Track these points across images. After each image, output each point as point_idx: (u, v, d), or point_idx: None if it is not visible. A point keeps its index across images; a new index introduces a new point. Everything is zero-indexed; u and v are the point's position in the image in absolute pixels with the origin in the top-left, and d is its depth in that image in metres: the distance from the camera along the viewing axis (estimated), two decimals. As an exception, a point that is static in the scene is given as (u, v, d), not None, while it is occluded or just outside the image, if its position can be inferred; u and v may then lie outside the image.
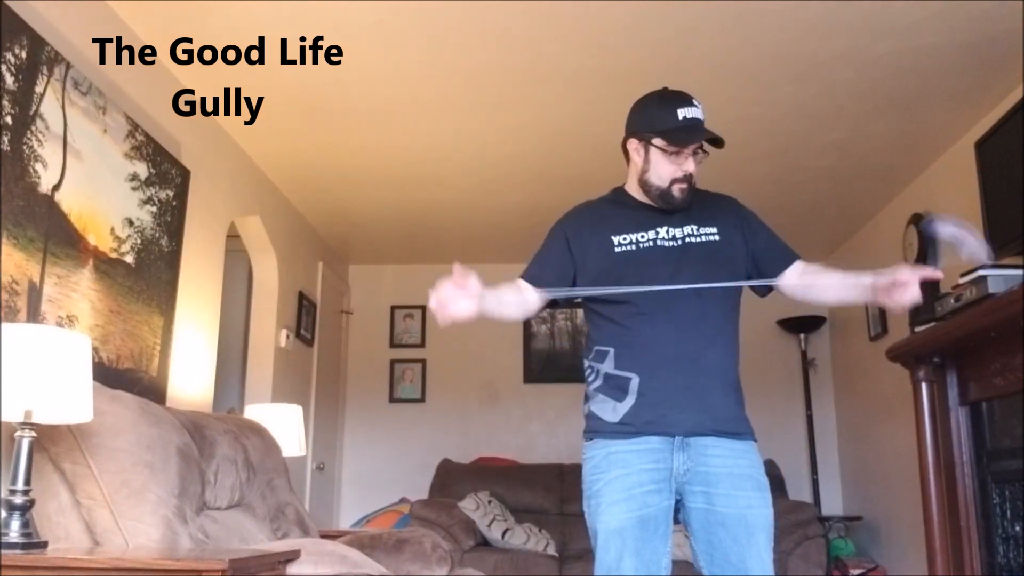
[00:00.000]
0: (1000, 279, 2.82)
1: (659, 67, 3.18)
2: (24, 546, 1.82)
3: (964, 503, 3.13)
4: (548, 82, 3.33)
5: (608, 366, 1.94)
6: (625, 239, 1.97)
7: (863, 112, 3.57)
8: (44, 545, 1.90)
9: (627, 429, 1.88)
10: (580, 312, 5.83)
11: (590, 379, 1.99)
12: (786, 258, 2.03)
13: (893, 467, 4.54)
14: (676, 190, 1.94)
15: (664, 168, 1.93)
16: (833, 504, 5.37)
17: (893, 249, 4.37)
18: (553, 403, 5.60)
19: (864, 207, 4.73)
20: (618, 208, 2.04)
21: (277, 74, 3.22)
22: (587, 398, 2.00)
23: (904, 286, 1.78)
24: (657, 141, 1.92)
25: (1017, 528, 2.93)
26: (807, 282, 1.99)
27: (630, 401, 1.89)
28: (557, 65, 3.20)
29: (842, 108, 3.53)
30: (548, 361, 5.79)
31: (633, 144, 1.99)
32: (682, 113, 1.91)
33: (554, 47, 3.07)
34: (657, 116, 1.94)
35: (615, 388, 1.92)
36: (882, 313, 4.70)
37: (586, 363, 2.02)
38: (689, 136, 1.90)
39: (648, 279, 1.89)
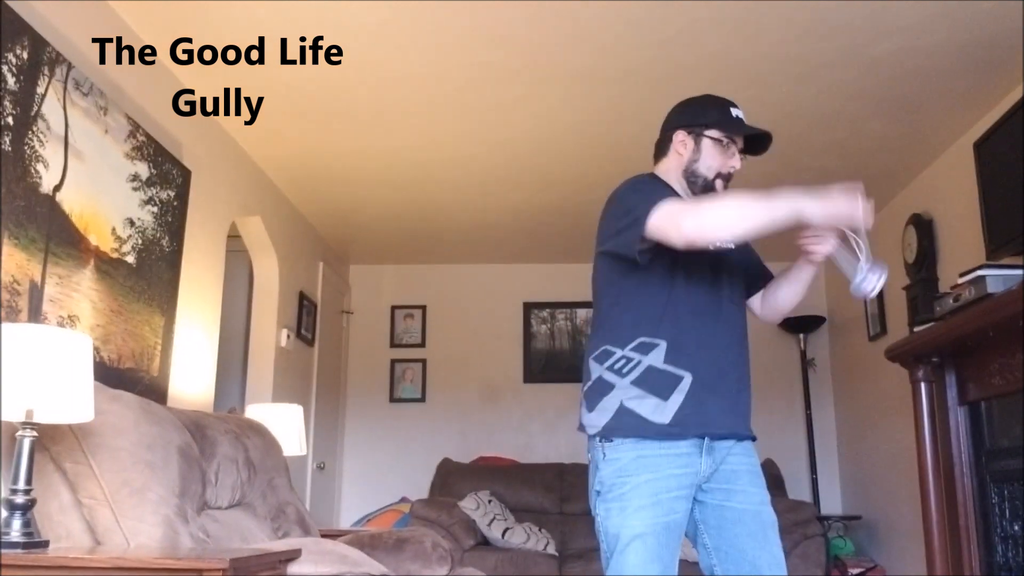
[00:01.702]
0: (999, 279, 2.82)
1: (659, 68, 3.19)
2: (25, 545, 1.83)
3: (963, 503, 3.14)
4: (548, 82, 3.34)
5: (655, 359, 1.86)
6: None
7: (863, 112, 3.57)
8: (45, 544, 1.91)
9: (675, 431, 1.83)
10: (580, 312, 5.84)
11: (624, 370, 1.87)
12: (766, 274, 2.15)
13: (892, 467, 4.55)
14: (719, 184, 2.00)
15: (714, 160, 1.99)
16: (832, 503, 5.38)
17: (892, 249, 4.38)
18: (553, 403, 5.60)
19: (864, 207, 4.72)
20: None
21: (277, 74, 3.22)
22: (609, 387, 1.88)
23: (815, 230, 1.90)
24: (712, 132, 1.98)
25: (1016, 528, 2.93)
26: (767, 297, 2.12)
27: (677, 400, 1.84)
28: (557, 65, 3.20)
29: (842, 108, 3.53)
30: (548, 361, 5.79)
31: (680, 136, 2.02)
32: (734, 112, 2.01)
33: (554, 47, 3.07)
34: (711, 111, 2.01)
35: (660, 384, 1.85)
36: (881, 313, 4.70)
37: (618, 352, 1.89)
38: (743, 127, 1.99)
39: (696, 275, 1.91)
